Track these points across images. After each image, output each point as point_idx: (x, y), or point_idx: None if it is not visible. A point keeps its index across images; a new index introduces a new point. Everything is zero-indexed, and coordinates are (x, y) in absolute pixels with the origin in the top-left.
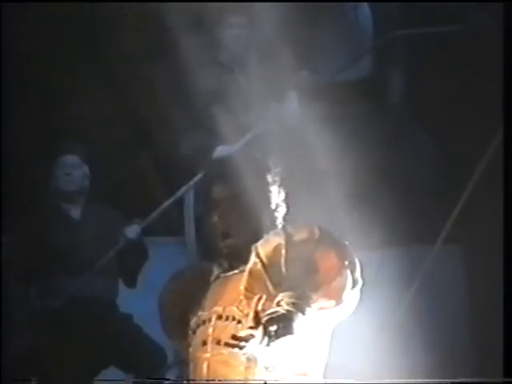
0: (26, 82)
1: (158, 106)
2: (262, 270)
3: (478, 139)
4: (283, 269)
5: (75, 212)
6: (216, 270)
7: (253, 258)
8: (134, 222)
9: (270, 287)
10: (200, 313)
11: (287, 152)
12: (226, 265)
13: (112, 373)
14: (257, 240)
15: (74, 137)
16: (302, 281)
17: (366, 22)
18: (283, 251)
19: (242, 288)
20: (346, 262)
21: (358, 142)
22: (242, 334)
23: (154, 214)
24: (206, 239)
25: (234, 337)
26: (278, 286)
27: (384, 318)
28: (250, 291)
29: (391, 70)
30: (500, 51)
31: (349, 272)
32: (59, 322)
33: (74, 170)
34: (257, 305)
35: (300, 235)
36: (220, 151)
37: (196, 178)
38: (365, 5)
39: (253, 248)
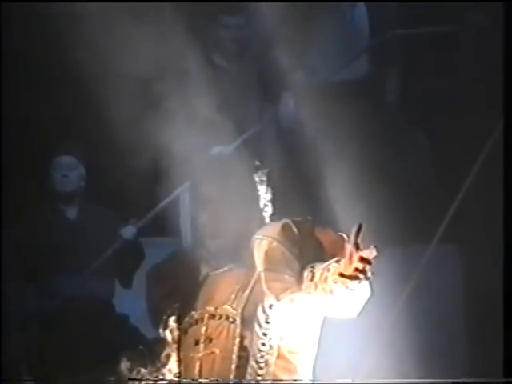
0: (23, 82)
1: (155, 107)
2: (280, 246)
3: (476, 138)
4: (299, 242)
5: (71, 213)
6: (204, 269)
7: (264, 241)
8: (130, 223)
9: (293, 260)
10: (192, 312)
11: (282, 152)
12: (214, 263)
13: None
14: (245, 240)
15: (71, 138)
16: (317, 253)
17: (362, 22)
18: (293, 226)
19: (261, 270)
20: (346, 238)
21: (354, 141)
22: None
23: (150, 215)
24: (195, 238)
25: (362, 259)
26: (299, 259)
27: (380, 318)
28: (270, 270)
29: (388, 70)
30: (499, 51)
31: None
32: (56, 323)
33: (70, 172)
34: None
35: (296, 218)
36: (215, 152)
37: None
38: (361, 4)
39: (255, 238)
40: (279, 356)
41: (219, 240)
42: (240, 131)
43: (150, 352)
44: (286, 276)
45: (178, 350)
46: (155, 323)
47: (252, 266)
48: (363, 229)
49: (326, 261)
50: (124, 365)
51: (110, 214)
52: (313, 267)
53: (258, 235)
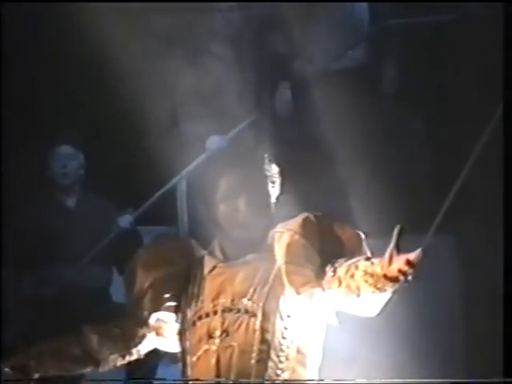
0: (24, 76)
1: (151, 97)
2: (302, 239)
3: (474, 128)
4: (320, 236)
5: (70, 201)
6: (210, 261)
7: (285, 235)
8: (127, 212)
9: (314, 253)
10: (199, 304)
11: (279, 142)
12: (219, 255)
13: None
14: (267, 231)
15: (70, 126)
16: (336, 248)
17: (361, 11)
18: (313, 220)
19: (281, 263)
20: (362, 235)
21: (352, 131)
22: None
23: (148, 204)
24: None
25: (408, 262)
26: (319, 253)
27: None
28: (291, 263)
29: (386, 59)
30: (498, 39)
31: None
32: (52, 311)
33: (69, 162)
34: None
35: (316, 213)
36: (213, 141)
37: (189, 168)
38: None
39: (275, 232)
40: (297, 349)
41: (248, 229)
42: (236, 121)
43: (122, 330)
44: (307, 270)
45: (181, 340)
46: (135, 303)
47: (271, 260)
48: (403, 231)
49: (344, 257)
50: (92, 337)
51: (109, 203)
52: (334, 262)
53: (278, 229)
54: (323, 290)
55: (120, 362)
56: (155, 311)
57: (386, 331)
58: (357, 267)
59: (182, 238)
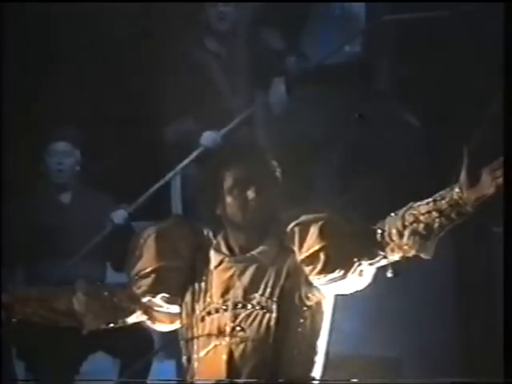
0: (21, 74)
1: (146, 92)
2: (330, 222)
3: (472, 124)
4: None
5: (65, 197)
6: (216, 256)
7: (313, 224)
8: (121, 207)
9: (349, 227)
10: (208, 300)
11: (274, 137)
12: (225, 250)
13: (99, 357)
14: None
15: (67, 123)
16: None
17: (357, 6)
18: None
19: (317, 247)
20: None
21: (347, 126)
22: None
23: (142, 199)
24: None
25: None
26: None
27: (369, 307)
28: (330, 246)
29: (381, 55)
30: (496, 37)
31: None
32: None
33: (65, 159)
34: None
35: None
36: (207, 137)
37: (183, 163)
38: None
39: (296, 225)
40: (309, 344)
41: (258, 218)
42: (230, 116)
43: (115, 300)
44: (348, 243)
45: (188, 335)
46: (135, 279)
47: (282, 254)
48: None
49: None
50: (82, 300)
51: (104, 198)
52: (374, 227)
53: (299, 222)
54: (374, 256)
55: (102, 327)
56: (151, 295)
57: (385, 331)
58: (418, 210)
59: (194, 225)
